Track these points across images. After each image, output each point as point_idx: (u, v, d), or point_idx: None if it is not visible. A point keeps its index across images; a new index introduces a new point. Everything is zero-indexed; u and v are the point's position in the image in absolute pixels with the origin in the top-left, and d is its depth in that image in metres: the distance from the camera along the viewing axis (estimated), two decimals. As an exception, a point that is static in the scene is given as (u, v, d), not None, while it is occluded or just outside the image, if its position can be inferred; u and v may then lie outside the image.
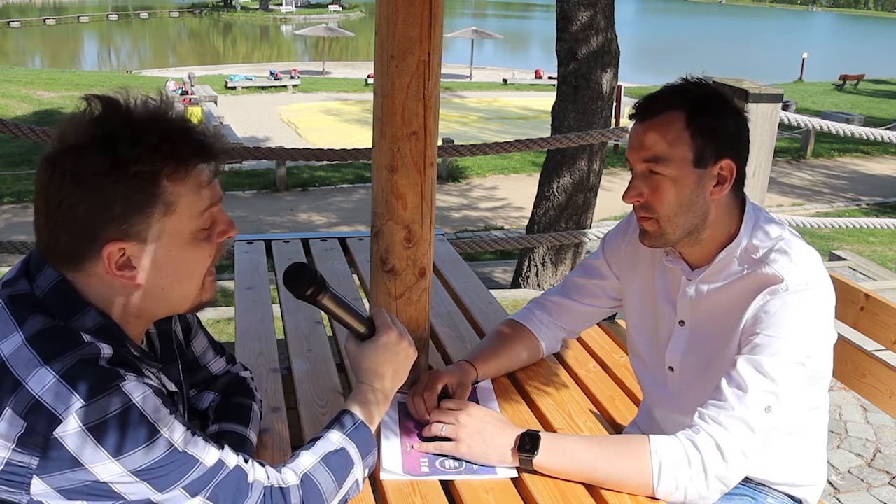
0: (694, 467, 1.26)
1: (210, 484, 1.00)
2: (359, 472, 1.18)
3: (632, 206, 1.45)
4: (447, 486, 1.29)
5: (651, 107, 1.38)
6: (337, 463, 1.15)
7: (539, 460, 1.29)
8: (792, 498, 1.56)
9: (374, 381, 1.25)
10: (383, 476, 1.29)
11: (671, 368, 1.55)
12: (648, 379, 1.65)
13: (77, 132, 0.98)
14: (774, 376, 1.28)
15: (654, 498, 1.27)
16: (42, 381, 0.92)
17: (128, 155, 0.96)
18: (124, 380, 0.95)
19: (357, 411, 1.21)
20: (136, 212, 0.99)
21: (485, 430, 1.33)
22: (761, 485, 1.55)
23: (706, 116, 1.36)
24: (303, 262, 1.23)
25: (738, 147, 1.40)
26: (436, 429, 1.36)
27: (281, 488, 1.07)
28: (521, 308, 1.76)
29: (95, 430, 0.91)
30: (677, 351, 1.53)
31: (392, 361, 1.25)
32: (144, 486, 0.95)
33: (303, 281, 1.19)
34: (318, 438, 1.18)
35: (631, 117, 1.42)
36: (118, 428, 0.93)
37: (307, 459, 1.13)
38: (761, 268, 1.37)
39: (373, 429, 1.22)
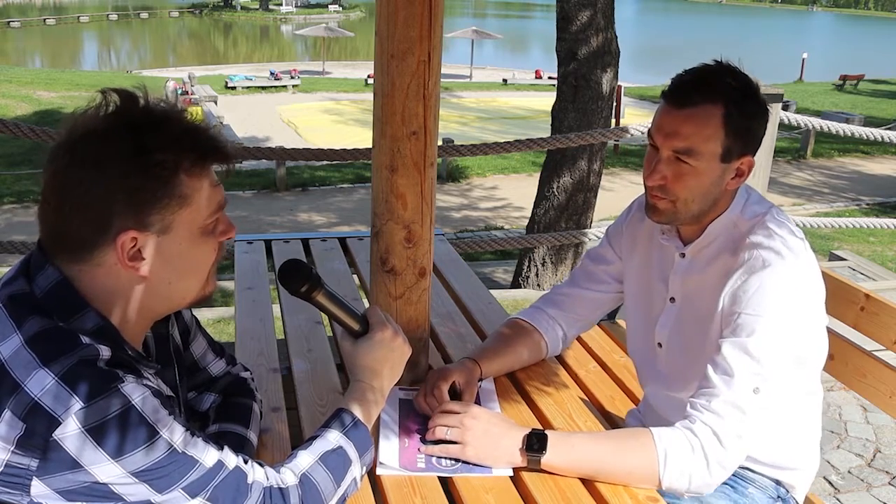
0: (696, 454, 1.28)
1: (210, 485, 1.00)
2: (356, 471, 1.18)
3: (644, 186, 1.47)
4: (447, 486, 1.29)
5: (690, 95, 1.37)
6: (335, 462, 1.15)
7: (547, 459, 1.29)
8: (778, 483, 1.55)
9: (371, 378, 1.25)
10: (380, 470, 1.30)
11: (660, 345, 1.58)
12: (640, 356, 1.68)
13: (95, 121, 0.99)
14: (759, 357, 1.30)
15: (657, 491, 1.28)
16: (41, 383, 0.92)
17: (151, 142, 0.98)
18: (123, 381, 0.95)
19: (354, 409, 1.21)
20: (153, 201, 1.00)
21: (491, 431, 1.34)
22: (745, 468, 1.54)
23: (742, 115, 1.38)
24: (298, 258, 1.23)
25: (759, 144, 1.43)
26: (440, 432, 1.35)
27: (280, 489, 1.07)
28: (523, 307, 1.77)
29: (95, 431, 0.91)
30: (665, 327, 1.56)
31: (388, 358, 1.26)
32: (144, 487, 0.95)
33: (297, 278, 1.19)
34: (315, 437, 1.18)
35: (664, 96, 1.41)
36: (117, 429, 0.93)
37: (305, 459, 1.13)
38: (743, 245, 1.40)
39: (370, 426, 1.22)
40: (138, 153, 0.97)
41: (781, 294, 1.33)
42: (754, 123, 1.40)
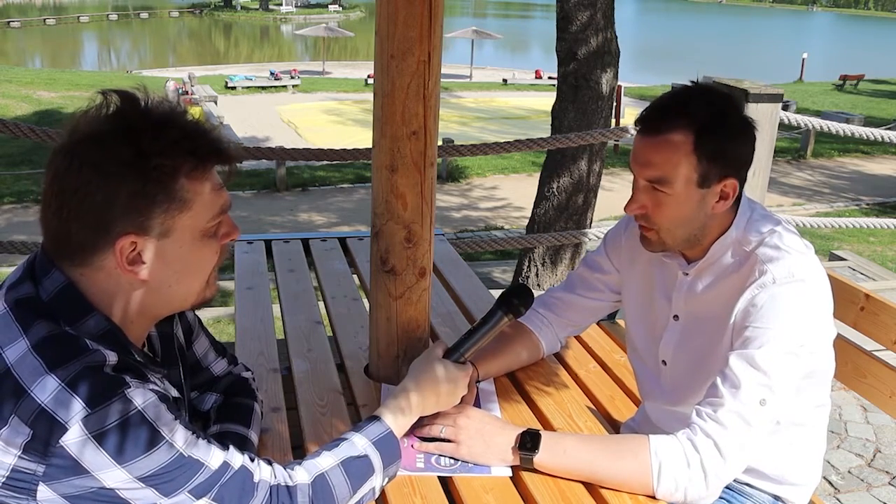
0: (693, 468, 1.26)
1: (215, 486, 1.00)
2: (377, 481, 1.18)
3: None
4: (447, 486, 1.29)
5: (659, 124, 1.36)
6: (356, 469, 1.15)
7: (540, 459, 1.29)
8: (777, 499, 1.55)
9: (421, 395, 1.29)
10: None
11: (664, 362, 1.57)
12: (643, 372, 1.67)
13: (95, 124, 0.99)
14: (766, 369, 1.29)
15: (653, 497, 1.27)
16: (47, 389, 0.92)
17: (150, 147, 0.97)
18: (129, 386, 0.95)
19: (389, 420, 1.23)
20: (152, 206, 0.99)
21: (484, 430, 1.34)
22: (744, 484, 1.54)
23: (714, 139, 1.35)
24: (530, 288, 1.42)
25: (743, 165, 1.40)
26: (434, 430, 1.36)
27: (287, 486, 1.07)
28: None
29: (100, 437, 0.92)
30: (670, 344, 1.55)
31: (446, 389, 1.32)
32: (150, 491, 0.96)
33: (524, 300, 1.41)
34: (343, 440, 1.18)
35: (637, 124, 1.41)
36: (123, 435, 0.93)
37: (326, 460, 1.14)
38: (751, 261, 1.39)
39: (400, 438, 1.24)
40: (137, 158, 0.97)
41: (791, 308, 1.32)
42: (731, 145, 1.37)
